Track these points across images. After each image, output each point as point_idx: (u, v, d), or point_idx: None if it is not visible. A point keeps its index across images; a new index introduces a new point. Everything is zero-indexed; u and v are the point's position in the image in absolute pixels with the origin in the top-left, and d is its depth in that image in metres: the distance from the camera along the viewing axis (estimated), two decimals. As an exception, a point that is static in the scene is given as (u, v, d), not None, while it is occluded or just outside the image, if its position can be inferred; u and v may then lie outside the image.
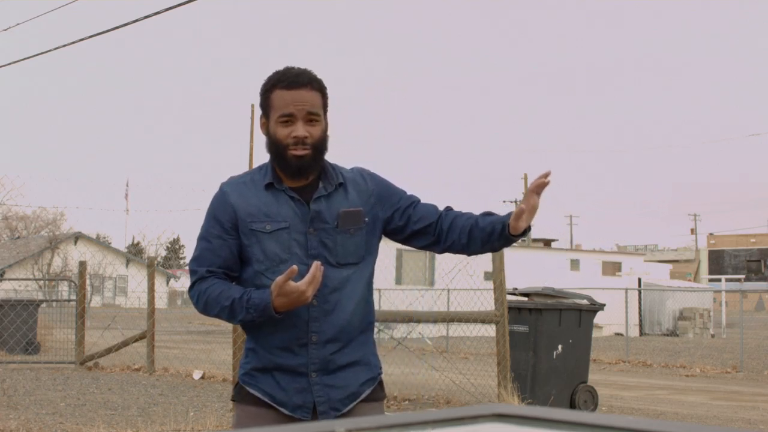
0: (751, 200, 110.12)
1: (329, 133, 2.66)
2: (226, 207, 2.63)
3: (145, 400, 9.21)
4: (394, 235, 2.75)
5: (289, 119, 2.56)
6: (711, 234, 61.69)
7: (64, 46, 14.06)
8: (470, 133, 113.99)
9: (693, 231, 70.39)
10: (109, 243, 58.92)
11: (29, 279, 34.07)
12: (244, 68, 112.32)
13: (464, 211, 2.72)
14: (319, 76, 2.64)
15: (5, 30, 17.47)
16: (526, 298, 9.59)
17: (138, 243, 65.39)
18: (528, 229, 2.57)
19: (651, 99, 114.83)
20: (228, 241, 2.62)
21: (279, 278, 2.45)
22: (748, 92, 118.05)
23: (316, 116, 2.58)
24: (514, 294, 9.63)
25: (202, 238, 2.66)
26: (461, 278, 16.89)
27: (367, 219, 2.66)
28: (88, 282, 16.08)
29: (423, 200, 2.78)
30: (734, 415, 9.40)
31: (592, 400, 9.16)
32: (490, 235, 2.61)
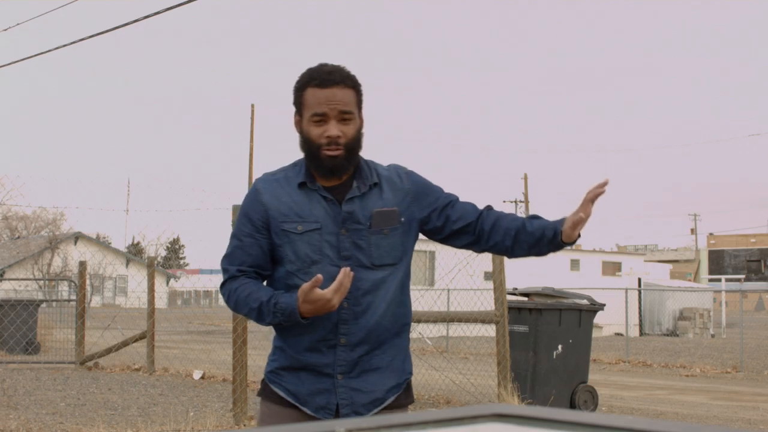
0: (751, 200, 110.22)
1: (363, 130, 2.61)
2: (258, 205, 2.60)
3: (145, 400, 9.21)
4: (433, 235, 2.71)
5: (321, 118, 2.51)
6: (711, 234, 61.67)
7: (64, 46, 14.08)
8: (470, 133, 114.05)
9: (693, 231, 70.39)
10: (109, 243, 58.94)
11: (29, 279, 34.06)
12: (244, 68, 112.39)
13: (506, 212, 2.68)
14: (351, 73, 2.59)
15: (5, 30, 17.47)
16: (526, 298, 9.59)
17: (138, 243, 65.43)
18: (578, 237, 2.55)
19: (650, 99, 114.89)
20: (259, 240, 2.59)
21: (305, 285, 2.42)
22: (748, 92, 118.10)
23: (350, 115, 2.53)
24: (514, 294, 9.63)
25: (234, 236, 2.64)
26: (461, 278, 16.88)
27: (402, 219, 2.60)
28: (88, 282, 16.08)
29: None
30: (734, 415, 9.40)
31: (592, 400, 9.16)
32: (539, 240, 2.57)
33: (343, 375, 2.55)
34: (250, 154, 31.05)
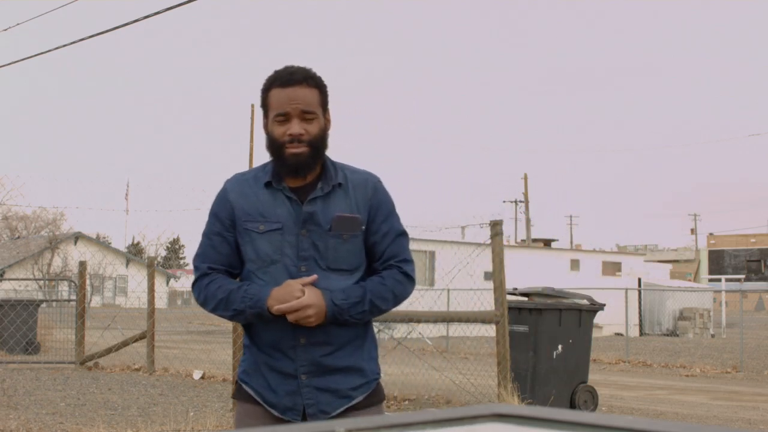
0: (751, 200, 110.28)
1: (330, 130, 2.64)
2: (226, 204, 2.65)
3: (145, 400, 9.21)
4: None
5: (284, 118, 2.55)
6: (711, 234, 61.65)
7: (64, 46, 14.07)
8: (470, 133, 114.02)
9: (693, 231, 70.40)
10: (109, 243, 58.92)
11: (29, 279, 34.04)
12: (244, 68, 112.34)
13: (379, 277, 2.67)
14: (316, 74, 2.62)
15: (5, 30, 17.46)
16: (526, 298, 9.58)
17: (138, 243, 65.42)
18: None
19: (650, 99, 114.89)
20: (228, 238, 2.64)
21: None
22: (748, 92, 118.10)
23: (312, 114, 2.56)
24: (514, 294, 9.62)
25: (205, 234, 2.69)
26: (461, 278, 16.87)
27: (363, 227, 2.63)
28: (88, 282, 16.08)
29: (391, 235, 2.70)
30: (734, 415, 9.40)
31: (592, 400, 9.16)
32: None
33: (306, 375, 2.58)
34: (250, 154, 31.03)
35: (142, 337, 12.61)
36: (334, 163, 2.66)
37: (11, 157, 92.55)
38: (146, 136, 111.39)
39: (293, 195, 2.59)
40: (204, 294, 2.63)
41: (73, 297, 15.74)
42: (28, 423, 7.57)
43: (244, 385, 2.67)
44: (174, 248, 73.05)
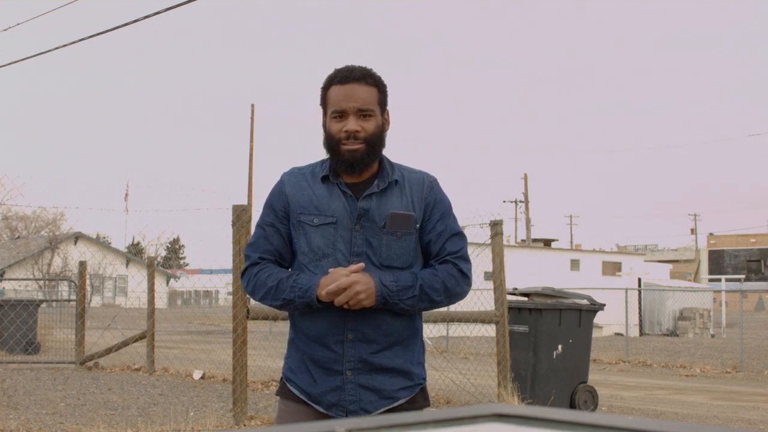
0: (751, 200, 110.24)
1: (388, 130, 2.66)
2: (281, 196, 2.67)
3: (145, 400, 9.20)
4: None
5: (341, 115, 2.56)
6: (711, 234, 61.64)
7: (64, 46, 14.07)
8: (470, 133, 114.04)
9: (693, 231, 70.37)
10: (109, 243, 58.94)
11: (29, 279, 34.02)
12: (244, 68, 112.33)
13: (434, 269, 2.66)
14: (376, 73, 2.64)
15: (5, 30, 17.47)
16: (526, 298, 9.58)
17: (138, 243, 65.43)
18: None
19: (651, 99, 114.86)
20: (280, 229, 2.66)
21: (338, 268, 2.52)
22: (748, 92, 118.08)
23: (369, 112, 2.57)
24: (514, 294, 9.62)
25: (258, 225, 2.71)
26: (461, 278, 16.82)
27: (417, 225, 2.64)
28: (88, 282, 16.07)
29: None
30: (734, 415, 9.39)
31: (592, 400, 9.16)
32: None
33: (352, 372, 2.57)
34: (250, 154, 31.04)
35: (142, 337, 12.60)
36: (391, 162, 2.68)
37: (11, 157, 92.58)
38: (146, 136, 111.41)
39: (349, 190, 2.60)
40: (253, 283, 2.64)
41: (73, 297, 15.73)
42: (28, 423, 7.56)
43: (288, 383, 2.67)
44: (174, 248, 73.05)
